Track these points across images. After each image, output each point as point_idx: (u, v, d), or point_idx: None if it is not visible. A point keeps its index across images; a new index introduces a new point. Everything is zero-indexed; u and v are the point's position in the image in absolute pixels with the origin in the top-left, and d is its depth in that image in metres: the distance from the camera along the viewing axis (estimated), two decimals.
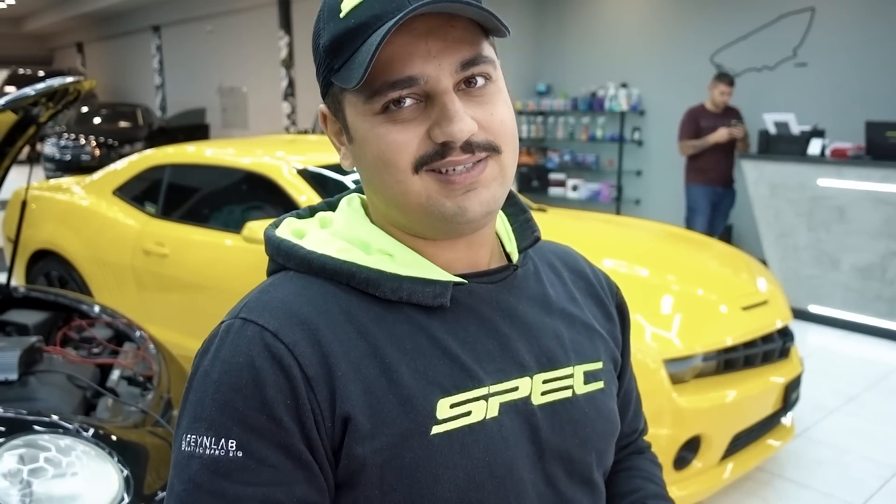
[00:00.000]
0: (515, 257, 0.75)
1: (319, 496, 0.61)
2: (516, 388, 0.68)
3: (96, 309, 2.56)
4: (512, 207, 0.80)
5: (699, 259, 3.19)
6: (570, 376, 0.73)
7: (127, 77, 16.88)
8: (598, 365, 0.76)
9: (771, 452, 2.73)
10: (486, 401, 0.65)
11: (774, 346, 2.65)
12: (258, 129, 12.16)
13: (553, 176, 7.90)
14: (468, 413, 0.64)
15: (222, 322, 0.65)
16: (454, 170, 0.63)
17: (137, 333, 2.45)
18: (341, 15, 0.62)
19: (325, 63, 0.64)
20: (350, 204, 0.74)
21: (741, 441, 2.54)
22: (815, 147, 4.78)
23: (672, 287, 2.78)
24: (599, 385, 0.75)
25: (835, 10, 5.79)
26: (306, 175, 3.20)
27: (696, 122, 5.29)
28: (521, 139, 8.13)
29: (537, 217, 3.56)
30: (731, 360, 2.51)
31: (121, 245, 3.61)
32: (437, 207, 0.63)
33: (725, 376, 2.49)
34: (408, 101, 0.61)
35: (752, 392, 2.51)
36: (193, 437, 0.60)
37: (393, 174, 0.63)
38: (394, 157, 0.62)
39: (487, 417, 0.65)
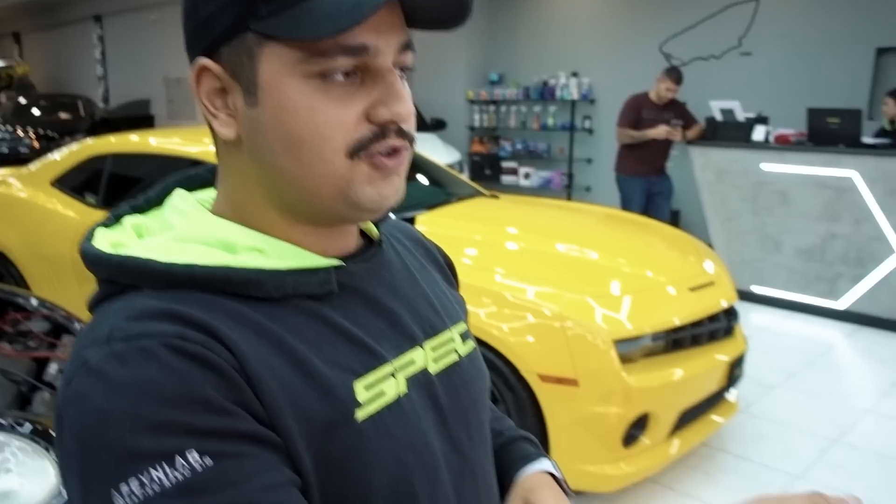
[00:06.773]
0: (373, 234, 0.73)
1: (297, 475, 0.55)
2: (413, 362, 0.67)
3: (33, 301, 2.47)
4: None
5: (648, 242, 3.24)
6: (452, 339, 0.73)
7: (67, 68, 16.30)
8: (464, 325, 0.77)
9: (715, 428, 2.79)
10: (395, 377, 0.64)
11: (720, 326, 2.71)
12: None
13: (505, 164, 7.93)
14: (382, 393, 0.62)
15: (76, 369, 0.52)
16: (384, 154, 0.59)
17: (77, 325, 2.37)
18: None
19: (241, 4, 0.55)
20: (185, 201, 0.65)
21: (687, 417, 2.59)
22: (759, 133, 4.89)
23: (622, 270, 2.81)
24: (472, 343, 0.77)
25: (777, 1, 5.94)
26: None
27: (637, 111, 5.16)
28: (473, 128, 8.16)
29: (491, 203, 3.60)
30: (679, 340, 2.55)
31: (60, 237, 3.48)
32: (355, 193, 0.59)
33: (673, 355, 2.53)
34: (347, 75, 0.56)
35: (699, 370, 2.56)
36: (135, 482, 0.48)
37: (318, 153, 0.57)
38: (328, 135, 0.56)
39: (400, 395, 0.64)
